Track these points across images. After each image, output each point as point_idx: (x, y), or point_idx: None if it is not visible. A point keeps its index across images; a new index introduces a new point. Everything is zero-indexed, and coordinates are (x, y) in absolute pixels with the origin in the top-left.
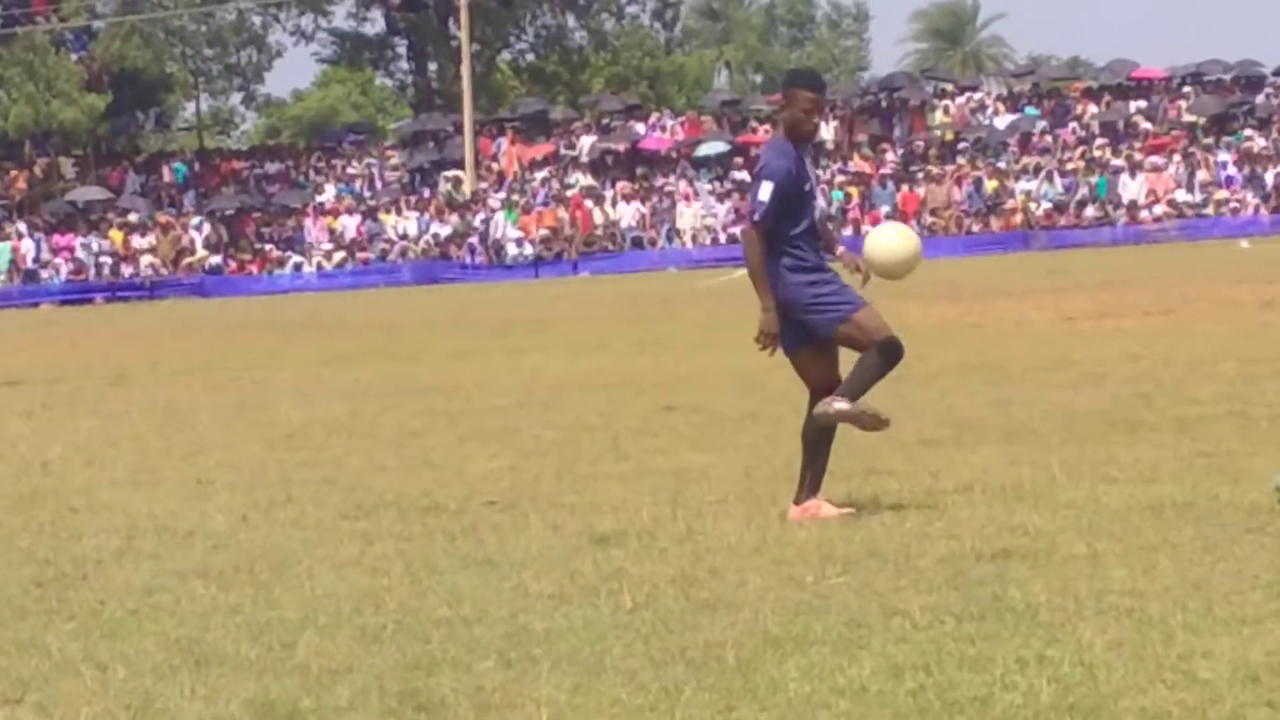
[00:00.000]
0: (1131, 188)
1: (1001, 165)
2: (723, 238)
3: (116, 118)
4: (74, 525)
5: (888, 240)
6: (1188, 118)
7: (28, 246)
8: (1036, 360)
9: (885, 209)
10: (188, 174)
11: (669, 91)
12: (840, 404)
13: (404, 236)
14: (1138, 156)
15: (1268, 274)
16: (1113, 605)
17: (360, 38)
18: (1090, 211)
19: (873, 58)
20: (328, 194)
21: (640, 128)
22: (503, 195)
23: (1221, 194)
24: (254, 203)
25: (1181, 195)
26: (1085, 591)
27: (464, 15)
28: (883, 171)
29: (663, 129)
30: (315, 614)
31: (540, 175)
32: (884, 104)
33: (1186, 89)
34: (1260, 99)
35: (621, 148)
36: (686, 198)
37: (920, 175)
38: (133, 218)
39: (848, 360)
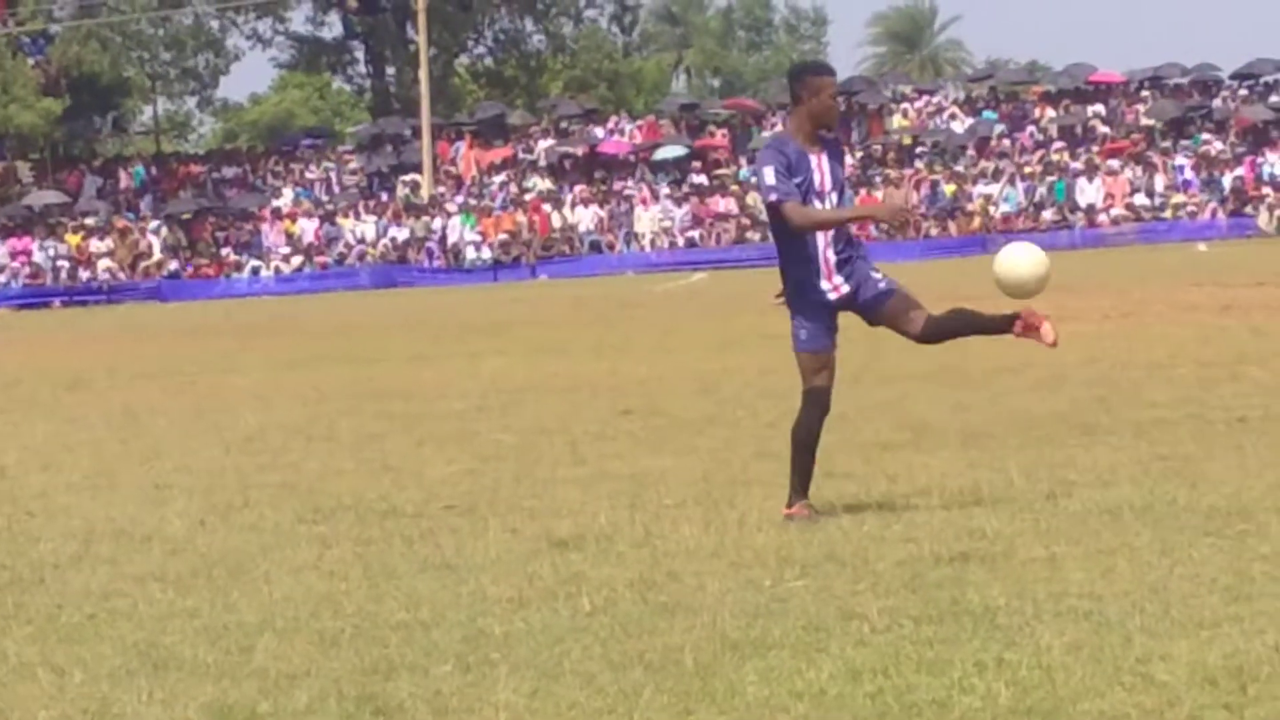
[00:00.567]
0: (1089, 191)
1: (960, 169)
2: (681, 241)
3: (73, 121)
4: (31, 529)
5: (1020, 260)
6: (1145, 121)
7: None
8: (994, 364)
9: None
10: (145, 178)
11: (627, 95)
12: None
13: (362, 240)
14: (1095, 160)
15: (1225, 277)
16: (1071, 608)
17: (318, 42)
18: (1048, 215)
19: (831, 62)
20: (285, 198)
21: (598, 131)
22: (461, 199)
23: (1179, 197)
24: (212, 206)
25: (1139, 199)
26: (1043, 594)
27: (421, 19)
28: None
29: (621, 133)
30: (273, 618)
31: (498, 179)
32: (842, 108)
33: (1144, 93)
34: (1217, 103)
35: (579, 151)
36: (644, 201)
37: (879, 179)
38: (90, 222)
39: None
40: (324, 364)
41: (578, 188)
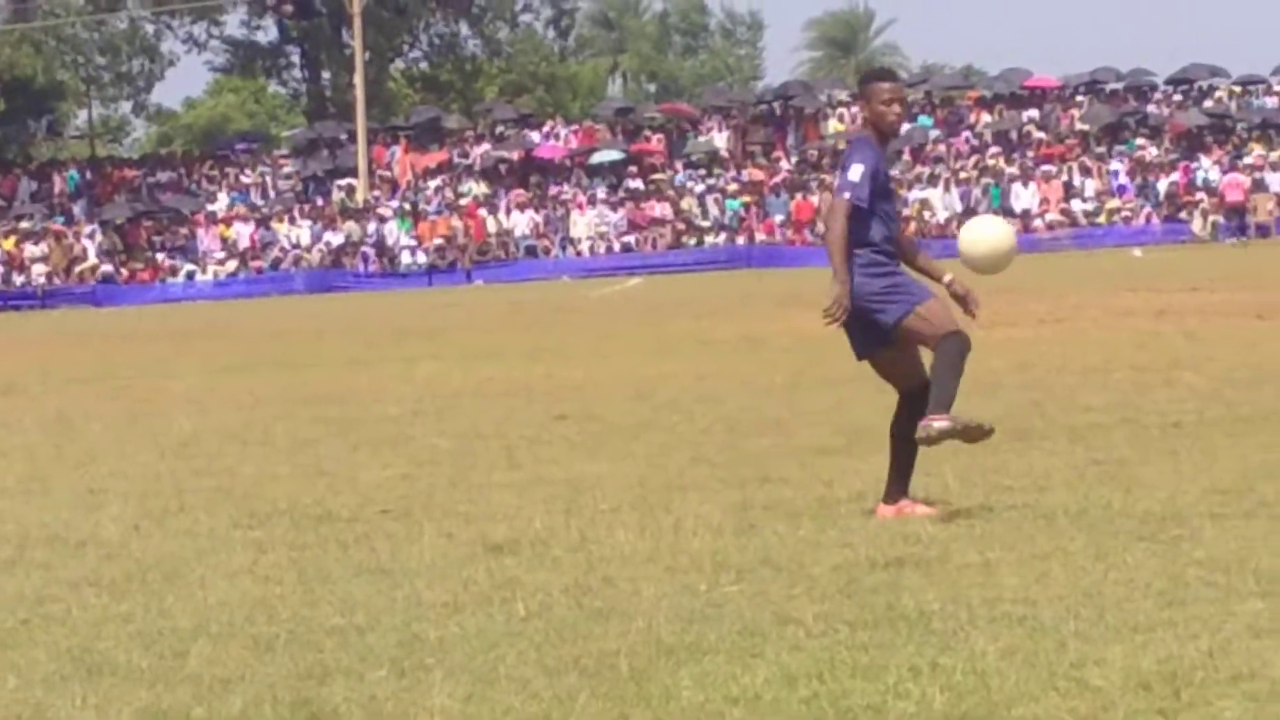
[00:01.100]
0: (1024, 196)
1: (895, 173)
2: (617, 246)
3: (7, 125)
4: None
5: (986, 233)
6: (1080, 126)
7: None
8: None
9: (779, 218)
10: (79, 182)
11: (563, 100)
12: (939, 423)
13: (297, 245)
14: (1030, 165)
15: (1160, 282)
16: (1005, 613)
17: (253, 46)
18: None
19: (767, 67)
20: (221, 203)
21: (534, 136)
22: (396, 204)
23: (1114, 202)
24: (147, 211)
25: (1074, 204)
26: (978, 600)
27: (357, 23)
28: (776, 180)
29: (557, 137)
30: (208, 623)
31: (434, 184)
32: (778, 112)
33: (1079, 98)
34: (1152, 108)
35: (515, 156)
36: (580, 206)
37: (814, 184)
38: (24, 226)
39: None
40: (259, 369)
41: (513, 192)
